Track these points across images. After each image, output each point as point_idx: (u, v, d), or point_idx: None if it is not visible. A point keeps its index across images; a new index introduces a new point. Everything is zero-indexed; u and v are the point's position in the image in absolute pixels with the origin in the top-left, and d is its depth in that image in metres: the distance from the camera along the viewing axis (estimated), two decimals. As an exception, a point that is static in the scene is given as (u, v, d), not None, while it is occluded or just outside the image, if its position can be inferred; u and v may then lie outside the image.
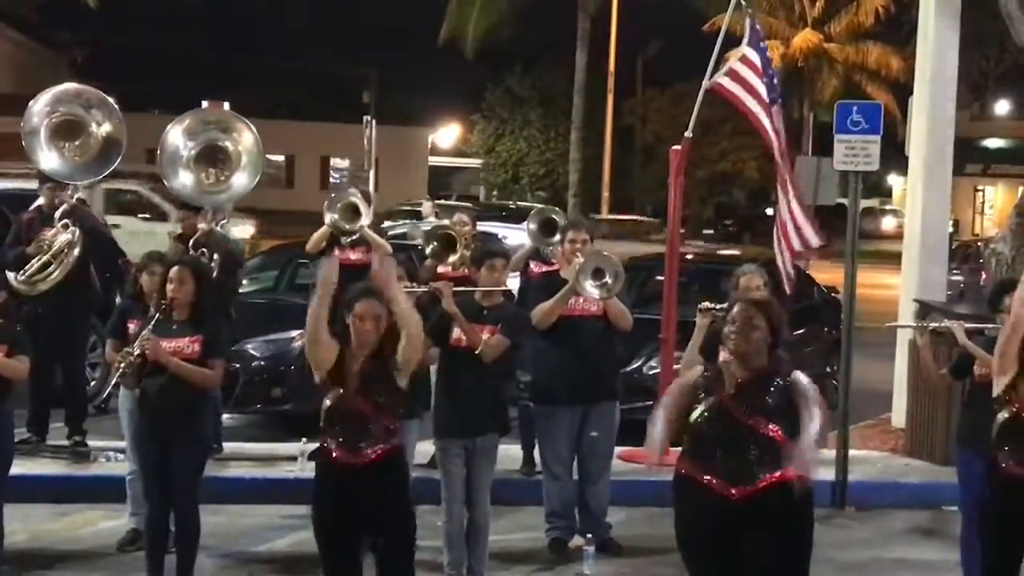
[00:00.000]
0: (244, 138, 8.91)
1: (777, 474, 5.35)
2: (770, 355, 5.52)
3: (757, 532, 5.34)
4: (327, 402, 5.79)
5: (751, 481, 5.35)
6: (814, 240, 9.93)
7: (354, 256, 9.81)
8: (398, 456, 5.90)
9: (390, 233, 15.08)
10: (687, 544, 5.57)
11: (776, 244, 10.18)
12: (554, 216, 9.78)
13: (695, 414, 5.46)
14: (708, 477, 5.41)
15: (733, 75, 10.17)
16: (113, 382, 7.10)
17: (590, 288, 8.05)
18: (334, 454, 5.78)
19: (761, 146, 47.90)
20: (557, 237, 9.62)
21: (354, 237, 9.77)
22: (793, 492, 5.37)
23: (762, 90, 10.03)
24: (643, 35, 44.07)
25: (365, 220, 9.71)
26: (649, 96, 48.55)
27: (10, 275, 9.37)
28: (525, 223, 9.98)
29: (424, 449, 8.35)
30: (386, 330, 5.80)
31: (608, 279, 8.06)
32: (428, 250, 9.02)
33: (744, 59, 10.18)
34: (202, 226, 9.27)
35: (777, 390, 5.44)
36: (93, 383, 11.59)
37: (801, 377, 5.51)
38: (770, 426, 5.35)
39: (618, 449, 9.01)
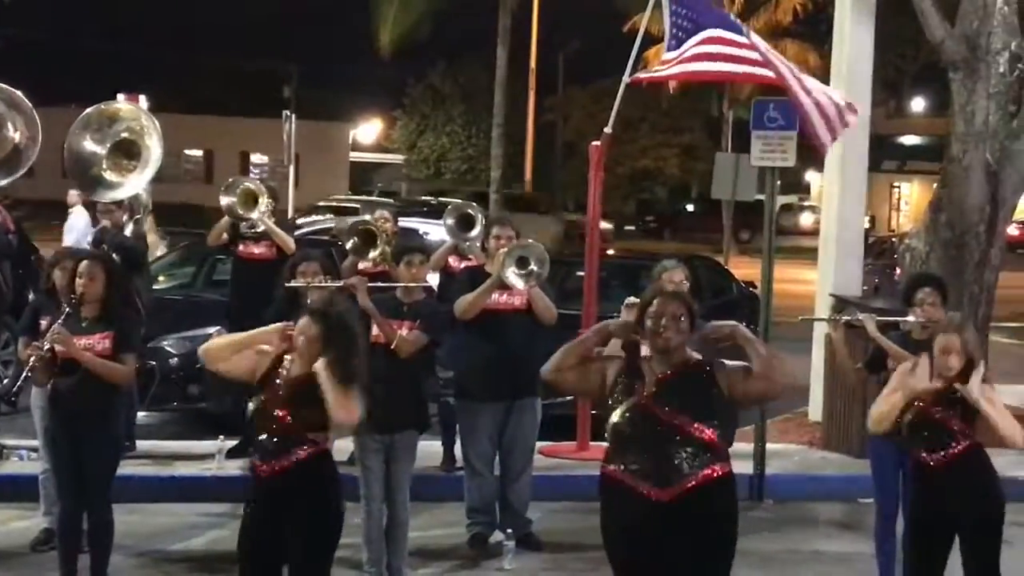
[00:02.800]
0: (151, 135, 8.82)
1: (704, 473, 5.21)
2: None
3: (682, 535, 5.22)
4: (251, 403, 5.67)
5: (678, 482, 5.19)
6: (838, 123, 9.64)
7: (257, 250, 9.74)
8: (321, 458, 5.74)
9: (309, 229, 14.98)
10: (613, 546, 5.40)
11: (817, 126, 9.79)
12: (471, 211, 9.76)
13: (616, 416, 5.29)
14: (632, 479, 5.24)
15: (653, 63, 10.13)
16: (23, 378, 6.95)
17: (514, 277, 8.01)
18: (253, 459, 5.70)
19: (681, 143, 48.32)
20: (475, 232, 9.62)
21: (256, 230, 9.64)
22: (724, 484, 5.28)
23: (707, 48, 9.75)
24: (564, 32, 44.19)
25: (263, 208, 9.58)
26: (570, 93, 48.73)
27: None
28: (442, 218, 9.96)
29: (343, 446, 8.27)
30: (335, 361, 5.63)
31: (533, 266, 8.04)
32: (348, 245, 8.95)
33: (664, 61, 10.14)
34: (103, 222, 9.18)
35: (700, 384, 5.32)
36: (5, 380, 11.42)
37: (726, 361, 5.41)
38: (695, 424, 5.22)
39: (539, 444, 9.02)
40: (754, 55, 9.60)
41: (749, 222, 37.14)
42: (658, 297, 5.47)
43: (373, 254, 8.81)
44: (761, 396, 5.52)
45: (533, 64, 39.11)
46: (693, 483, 5.20)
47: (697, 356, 5.41)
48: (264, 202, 9.58)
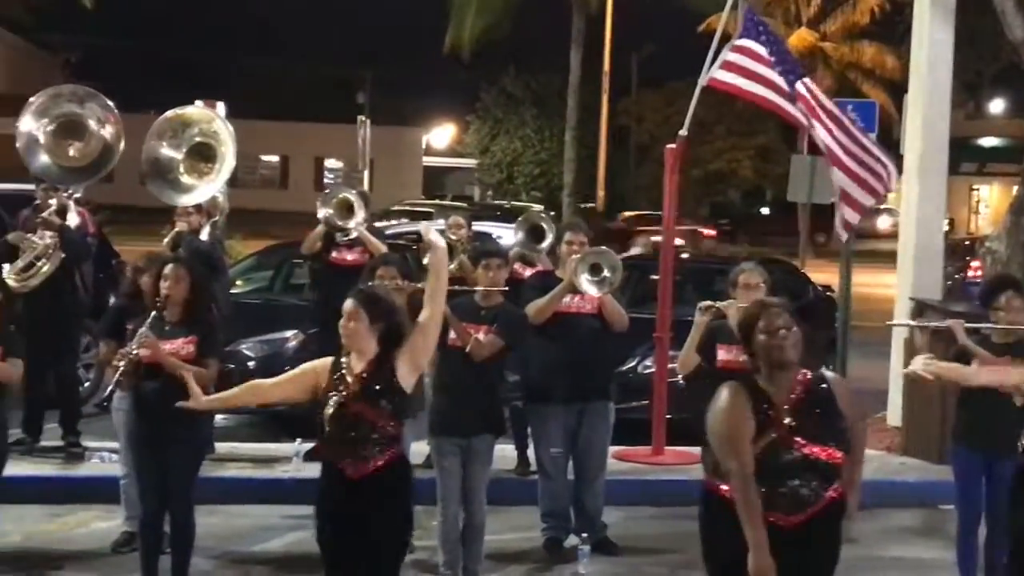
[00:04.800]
0: (225, 138, 8.94)
1: (830, 496, 5.08)
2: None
3: (802, 558, 5.06)
4: (328, 409, 5.63)
5: (802, 509, 5.02)
6: (882, 187, 9.75)
7: (350, 257, 9.78)
8: (400, 464, 5.77)
9: (388, 233, 15.04)
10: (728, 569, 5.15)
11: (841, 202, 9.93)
12: (542, 223, 9.77)
13: (758, 449, 5.00)
14: (765, 511, 4.99)
15: (729, 67, 10.12)
16: (115, 381, 7.06)
17: (588, 284, 8.02)
18: (333, 460, 5.66)
19: (756, 145, 47.97)
20: (545, 243, 9.61)
21: (350, 236, 9.72)
22: (838, 514, 5.15)
23: (773, 75, 9.94)
24: (638, 35, 44.07)
25: (360, 218, 9.67)
26: (644, 96, 48.55)
27: (5, 271, 9.34)
28: (513, 228, 9.94)
29: (420, 449, 8.33)
30: (386, 331, 5.72)
31: (606, 273, 8.05)
32: (425, 261, 8.97)
33: (740, 49, 10.13)
34: (180, 226, 9.28)
35: (821, 401, 5.12)
36: (87, 384, 11.60)
37: (830, 375, 5.26)
38: (831, 451, 5.03)
39: (613, 448, 9.00)
40: (810, 106, 9.74)
41: (825, 225, 36.78)
42: (763, 310, 5.19)
43: (451, 266, 8.81)
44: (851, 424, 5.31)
45: (607, 67, 39.02)
46: (819, 507, 5.06)
47: (806, 371, 5.19)
48: (360, 211, 9.64)
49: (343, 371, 5.67)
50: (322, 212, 9.66)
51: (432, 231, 5.91)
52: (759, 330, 5.11)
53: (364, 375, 5.64)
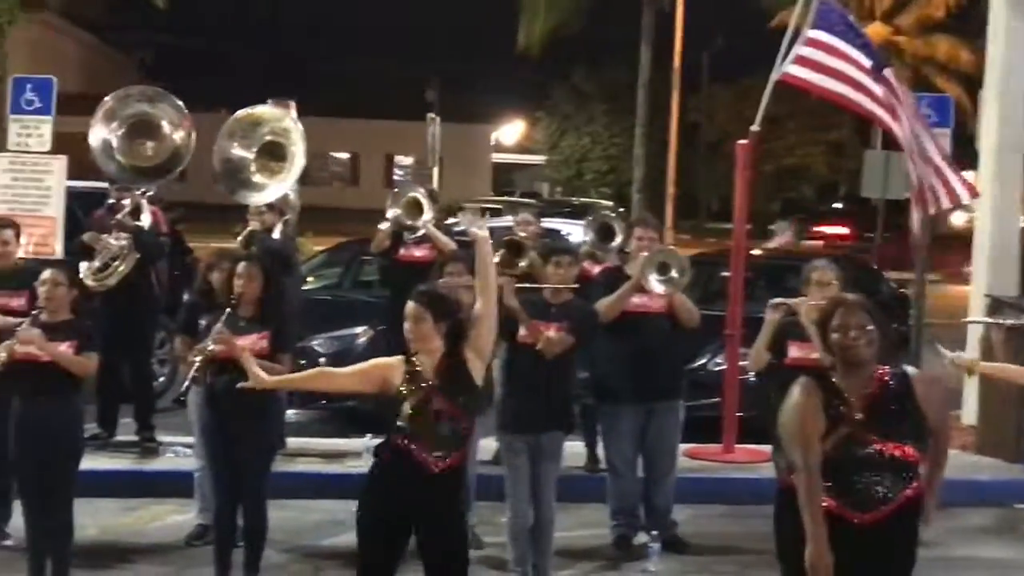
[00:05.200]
0: (295, 136, 9.01)
1: (906, 494, 5.04)
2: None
3: (879, 557, 5.04)
4: (407, 408, 5.64)
5: (877, 507, 5.00)
6: (964, 196, 9.65)
7: (418, 253, 9.83)
8: (463, 465, 5.81)
9: (456, 230, 15.09)
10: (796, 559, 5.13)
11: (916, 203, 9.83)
12: (611, 222, 9.74)
13: (829, 445, 4.98)
14: (839, 507, 5.01)
15: (802, 61, 9.99)
16: (191, 376, 7.15)
17: (655, 283, 8.02)
18: (406, 450, 5.64)
19: (829, 140, 47.41)
20: (615, 243, 9.60)
21: (418, 234, 9.78)
22: (915, 512, 5.11)
23: (848, 69, 9.80)
24: (709, 30, 43.80)
25: (428, 216, 9.72)
26: (715, 91, 48.28)
27: (82, 270, 9.48)
28: (583, 226, 9.92)
29: (488, 445, 8.35)
30: (450, 328, 5.73)
31: (674, 273, 8.04)
32: (497, 259, 8.97)
33: (813, 42, 9.99)
34: (253, 224, 9.36)
35: (898, 398, 5.08)
36: (161, 379, 11.75)
37: (914, 371, 5.21)
38: (906, 448, 5.00)
39: (684, 446, 8.97)
40: (890, 100, 9.55)
41: (898, 222, 36.36)
42: (840, 307, 5.15)
43: (522, 264, 8.80)
44: (934, 430, 5.26)
45: (677, 62, 38.81)
46: (895, 506, 5.03)
47: (884, 368, 5.15)
48: (428, 209, 9.70)
49: (417, 369, 5.70)
50: (391, 212, 9.73)
51: (474, 224, 5.92)
52: (833, 327, 5.08)
53: (439, 372, 5.68)
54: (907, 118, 9.75)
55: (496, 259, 8.75)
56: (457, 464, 5.70)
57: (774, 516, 5.36)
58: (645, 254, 8.16)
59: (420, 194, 9.83)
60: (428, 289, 5.99)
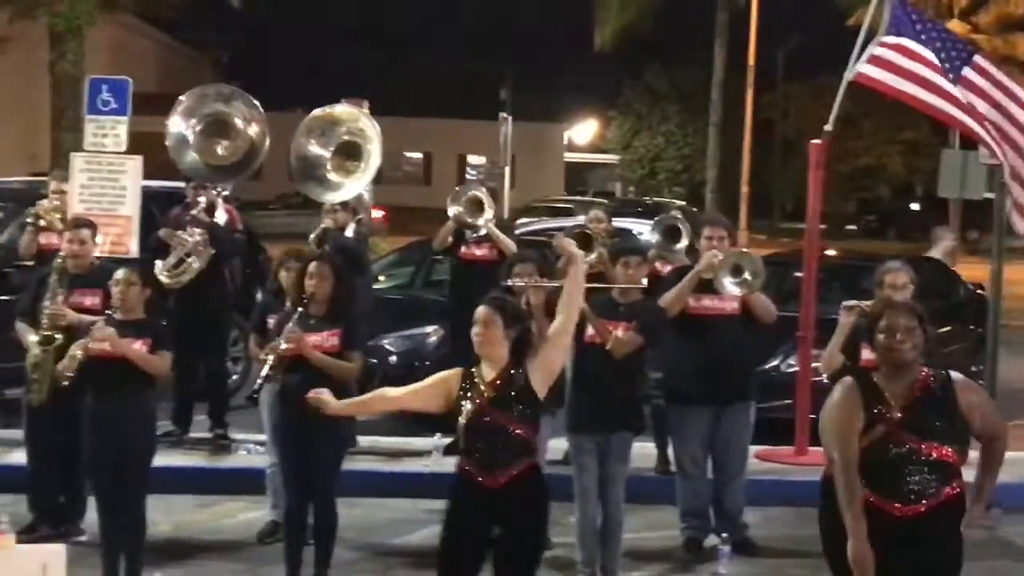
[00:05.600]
0: (371, 136, 9.07)
1: (947, 492, 5.09)
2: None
3: (916, 551, 5.08)
4: (461, 419, 5.63)
5: (918, 501, 5.07)
6: None
7: (479, 252, 9.89)
8: (535, 473, 5.74)
9: (525, 230, 15.10)
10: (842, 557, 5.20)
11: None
12: (678, 224, 9.69)
13: (867, 442, 5.08)
14: (879, 500, 5.09)
15: (876, 62, 9.86)
16: (263, 375, 7.22)
17: (729, 284, 7.97)
18: (470, 470, 5.63)
19: (905, 140, 46.82)
20: (681, 244, 9.52)
21: (479, 233, 9.83)
22: (958, 511, 5.15)
23: (924, 71, 9.65)
24: (784, 28, 43.47)
25: (489, 215, 9.78)
26: (790, 90, 47.90)
27: (157, 267, 9.60)
28: (650, 228, 9.88)
29: (557, 445, 8.33)
30: (518, 337, 5.68)
31: (747, 275, 7.98)
32: (560, 263, 8.96)
33: (888, 44, 9.87)
34: (327, 223, 9.42)
35: (939, 401, 5.13)
36: (235, 377, 11.86)
37: (961, 379, 5.24)
38: (943, 449, 5.05)
39: (755, 448, 8.90)
40: (968, 100, 9.35)
41: (977, 221, 35.84)
42: (887, 309, 5.23)
43: (590, 257, 8.81)
44: (988, 438, 5.33)
45: (751, 61, 38.59)
46: (935, 502, 5.07)
47: (928, 371, 5.20)
48: (489, 208, 9.77)
49: (475, 379, 5.66)
50: (452, 210, 9.80)
51: (571, 243, 5.91)
52: (879, 329, 5.16)
53: (497, 382, 5.63)
54: (1009, 103, 9.48)
55: (559, 263, 8.76)
56: (522, 473, 5.61)
57: (819, 507, 5.43)
58: (713, 251, 8.09)
59: (482, 193, 9.89)
60: (501, 295, 5.97)
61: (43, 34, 23.34)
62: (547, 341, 5.74)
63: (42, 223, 9.67)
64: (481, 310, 5.68)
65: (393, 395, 5.96)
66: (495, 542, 5.65)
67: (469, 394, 5.63)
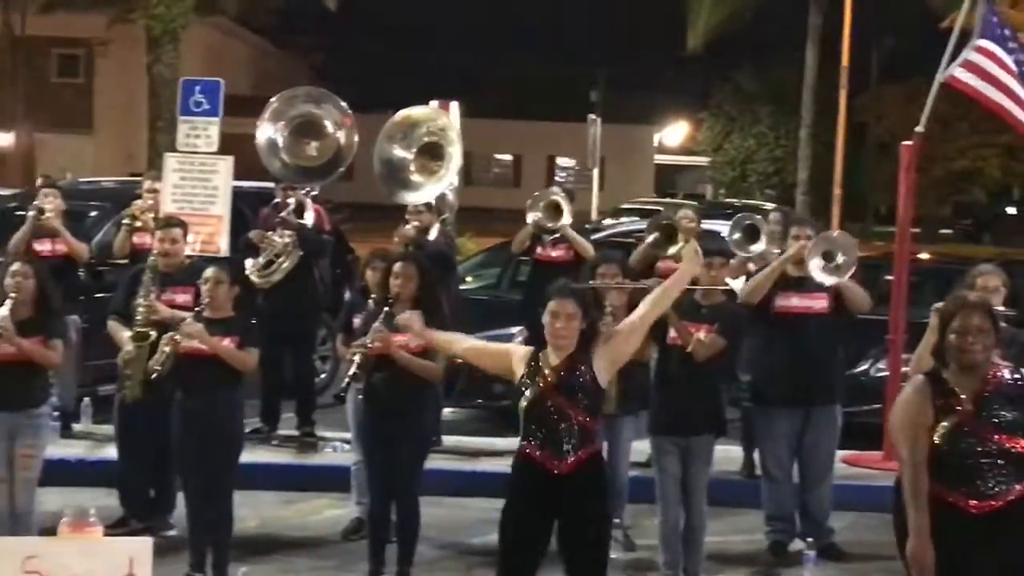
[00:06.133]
0: (452, 136, 9.14)
1: (1019, 489, 5.05)
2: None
3: (994, 549, 5.05)
4: (523, 402, 5.68)
5: (996, 497, 5.04)
6: None
7: (555, 253, 10.02)
8: (597, 460, 5.80)
9: (613, 231, 15.09)
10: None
11: None
12: (755, 223, 9.60)
13: (937, 436, 5.09)
14: (954, 496, 5.08)
15: (969, 67, 9.74)
16: (350, 374, 7.30)
17: (820, 272, 7.82)
18: (532, 455, 5.68)
19: (1002, 143, 46.07)
20: (759, 245, 9.33)
21: (556, 236, 9.94)
22: None
23: (1012, 83, 9.55)
24: (878, 29, 42.89)
25: (567, 218, 9.87)
26: (884, 92, 47.25)
27: (248, 267, 9.74)
28: (728, 230, 9.76)
29: (640, 448, 8.31)
30: (588, 328, 5.71)
31: (839, 260, 7.84)
32: (649, 239, 8.92)
33: (981, 50, 9.75)
34: (414, 224, 9.48)
35: (1011, 395, 5.11)
36: (322, 376, 11.98)
37: None
38: (1018, 442, 5.03)
39: (841, 453, 8.80)
40: None
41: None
42: (961, 309, 5.18)
43: (673, 250, 8.77)
44: None
45: (845, 62, 38.14)
46: (1014, 497, 5.05)
47: (1004, 365, 5.19)
48: (568, 210, 9.86)
49: (539, 363, 5.69)
50: (531, 216, 9.92)
51: (697, 247, 6.02)
52: (952, 329, 5.14)
53: (562, 370, 5.66)
54: None
55: (650, 240, 8.74)
56: (587, 460, 5.66)
57: (893, 505, 5.39)
58: (802, 243, 7.96)
59: (559, 196, 9.99)
60: (577, 288, 5.97)
61: (141, 38, 23.78)
62: (620, 331, 5.77)
63: (137, 223, 9.85)
64: (566, 304, 5.68)
65: (465, 345, 6.14)
66: (559, 528, 5.69)
67: (533, 378, 5.66)
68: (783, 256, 8.01)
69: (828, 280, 7.86)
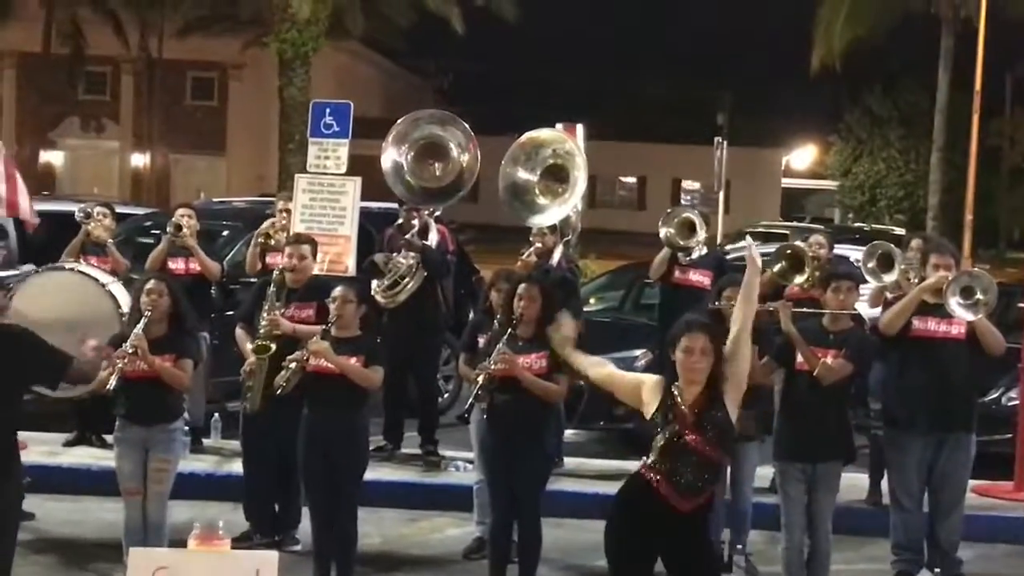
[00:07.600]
0: (576, 159, 9.15)
1: None
2: None
3: None
4: (659, 440, 5.64)
5: None
6: None
7: (694, 277, 9.71)
8: (712, 500, 5.79)
9: (736, 255, 14.93)
10: None
11: None
12: (889, 251, 9.39)
13: None
14: None
15: None
16: (474, 394, 7.35)
17: (959, 308, 7.64)
18: (655, 485, 5.62)
19: None
20: (893, 275, 9.06)
21: (691, 257, 9.68)
22: None
23: None
24: (1012, 53, 41.97)
25: (701, 237, 9.65)
26: (1018, 116, 46.21)
27: (373, 287, 9.86)
28: (861, 258, 9.54)
29: (764, 473, 8.22)
30: (716, 362, 5.64)
31: (979, 296, 7.66)
32: (775, 269, 8.80)
33: None
34: (536, 246, 9.49)
35: None
36: (446, 395, 12.07)
37: None
38: None
39: (973, 483, 8.60)
40: None
41: None
42: None
43: (799, 279, 8.64)
44: None
45: (978, 86, 37.44)
46: None
47: None
48: (701, 230, 9.63)
49: (676, 399, 5.65)
50: (664, 231, 9.67)
51: (755, 248, 5.82)
52: None
53: (696, 406, 5.62)
54: None
55: (775, 269, 8.62)
56: (707, 502, 5.66)
57: None
58: (943, 273, 7.80)
59: (694, 215, 9.75)
60: (713, 324, 5.92)
61: (273, 61, 24.23)
62: (729, 359, 5.67)
63: (269, 242, 10.03)
64: (701, 340, 5.61)
65: (602, 372, 6.06)
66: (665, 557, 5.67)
67: (670, 412, 5.63)
68: (922, 285, 7.84)
69: (966, 316, 7.65)
